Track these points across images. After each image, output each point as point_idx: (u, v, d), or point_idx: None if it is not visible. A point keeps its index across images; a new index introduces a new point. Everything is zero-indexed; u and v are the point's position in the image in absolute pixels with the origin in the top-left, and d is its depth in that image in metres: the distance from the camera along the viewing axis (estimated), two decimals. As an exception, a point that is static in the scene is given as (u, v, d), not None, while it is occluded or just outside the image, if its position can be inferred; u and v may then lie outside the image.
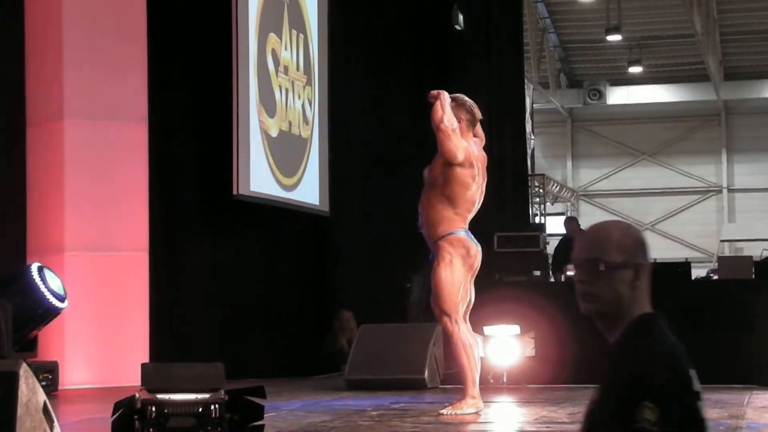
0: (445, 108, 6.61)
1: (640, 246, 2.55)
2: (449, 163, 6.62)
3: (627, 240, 2.54)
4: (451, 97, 6.76)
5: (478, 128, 6.89)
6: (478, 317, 8.91)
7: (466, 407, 6.58)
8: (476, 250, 6.68)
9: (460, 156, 6.59)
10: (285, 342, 10.82)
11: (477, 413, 6.61)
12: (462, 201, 6.67)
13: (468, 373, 6.63)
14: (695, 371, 2.44)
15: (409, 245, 10.48)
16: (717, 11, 25.92)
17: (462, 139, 6.64)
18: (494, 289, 9.68)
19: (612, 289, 2.52)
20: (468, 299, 6.72)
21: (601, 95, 28.53)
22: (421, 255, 10.58)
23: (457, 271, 6.61)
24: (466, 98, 6.89)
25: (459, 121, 6.68)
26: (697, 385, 2.43)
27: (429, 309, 10.46)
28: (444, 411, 6.59)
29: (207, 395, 4.26)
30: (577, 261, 2.56)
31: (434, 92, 6.66)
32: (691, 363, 2.45)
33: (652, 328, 2.48)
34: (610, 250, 2.52)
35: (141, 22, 9.29)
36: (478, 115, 6.78)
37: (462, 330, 6.65)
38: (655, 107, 29.46)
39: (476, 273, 6.77)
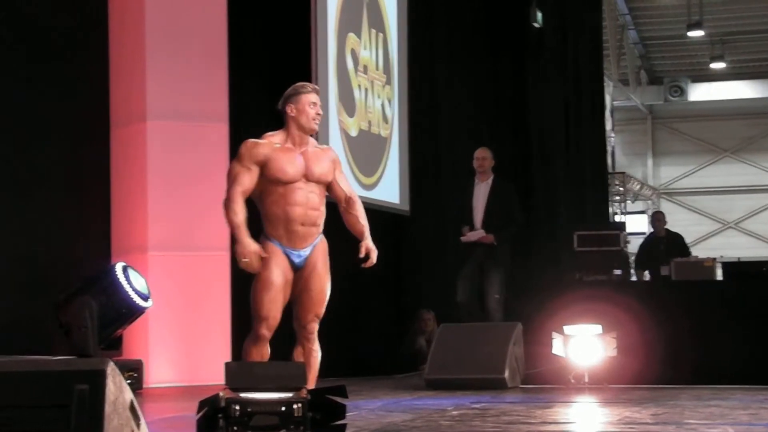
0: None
1: None
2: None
3: None
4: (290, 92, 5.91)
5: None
6: (559, 316, 8.89)
7: None
8: None
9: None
10: (364, 341, 10.83)
11: None
12: None
13: None
14: None
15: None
16: (802, 5, 25.49)
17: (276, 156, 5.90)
18: (575, 288, 9.63)
19: None
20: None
21: (682, 92, 28.18)
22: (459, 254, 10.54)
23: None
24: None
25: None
26: None
27: (482, 309, 10.37)
28: None
29: (290, 394, 4.29)
30: None
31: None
32: None
33: None
34: None
35: (222, 24, 9.38)
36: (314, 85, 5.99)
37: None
38: (738, 103, 29.03)
39: None
